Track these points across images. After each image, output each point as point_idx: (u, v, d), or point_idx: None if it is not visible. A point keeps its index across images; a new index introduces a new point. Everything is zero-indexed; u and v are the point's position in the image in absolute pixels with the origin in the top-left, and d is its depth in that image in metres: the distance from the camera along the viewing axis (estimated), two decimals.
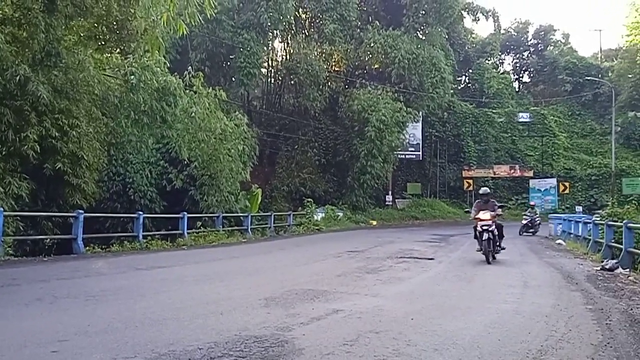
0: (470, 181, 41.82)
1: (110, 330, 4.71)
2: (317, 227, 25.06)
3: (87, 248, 12.77)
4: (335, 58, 36.12)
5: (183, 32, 12.56)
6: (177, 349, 4.34)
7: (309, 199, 27.36)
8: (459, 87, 51.49)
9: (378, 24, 35.31)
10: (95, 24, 15.34)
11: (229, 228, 19.54)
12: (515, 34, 59.91)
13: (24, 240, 11.99)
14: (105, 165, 15.85)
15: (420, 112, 36.92)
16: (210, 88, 18.87)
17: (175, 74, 17.00)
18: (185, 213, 17.12)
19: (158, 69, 16.12)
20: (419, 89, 34.85)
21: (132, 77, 15.58)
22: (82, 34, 15.26)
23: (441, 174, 44.50)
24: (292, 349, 4.47)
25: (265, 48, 32.75)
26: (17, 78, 12.15)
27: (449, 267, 11.23)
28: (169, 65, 17.04)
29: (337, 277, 9.22)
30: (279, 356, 4.28)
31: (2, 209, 10.73)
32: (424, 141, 41.46)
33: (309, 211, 26.16)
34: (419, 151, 40.65)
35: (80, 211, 12.84)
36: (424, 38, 37.15)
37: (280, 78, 36.78)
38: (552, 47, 58.25)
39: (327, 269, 10.49)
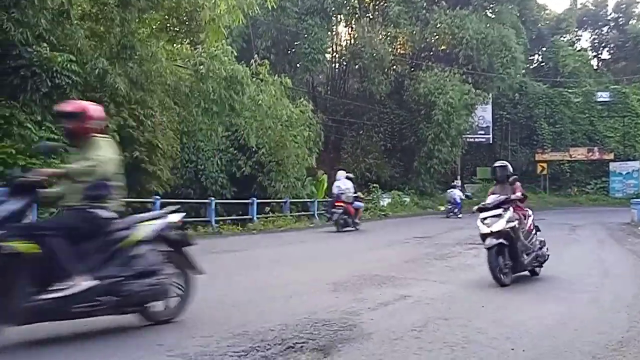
0: (544, 165, 40.00)
1: (188, 311, 4.94)
2: (383, 213, 24.95)
3: None
4: (400, 41, 35.45)
5: (248, 21, 12.76)
6: (250, 329, 4.51)
7: (375, 185, 27.24)
8: (531, 67, 49.06)
9: (444, 4, 34.21)
10: (166, 16, 15.94)
11: (297, 213, 19.87)
12: (594, 8, 56.13)
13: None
14: (178, 153, 16.49)
15: (490, 94, 35.61)
16: (276, 75, 19.13)
17: (242, 62, 17.36)
18: (255, 199, 17.57)
19: (226, 58, 16.52)
20: (489, 70, 33.59)
21: (202, 66, 16.07)
22: (154, 27, 15.88)
23: (512, 158, 42.69)
24: (360, 333, 4.53)
25: (329, 33, 32.70)
26: (97, 71, 12.86)
27: None
28: (236, 54, 17.42)
29: (405, 263, 9.17)
30: (347, 340, 4.34)
31: None
32: (494, 124, 40.00)
33: (374, 196, 26.07)
34: (489, 134, 39.28)
35: (157, 197, 13.48)
36: (493, 16, 35.66)
37: (344, 63, 36.61)
38: (635, 21, 54.15)
39: (394, 255, 10.46)
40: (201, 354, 3.89)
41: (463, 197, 24.60)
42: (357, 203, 16.67)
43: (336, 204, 15.96)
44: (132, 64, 14.05)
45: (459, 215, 22.90)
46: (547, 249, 7.96)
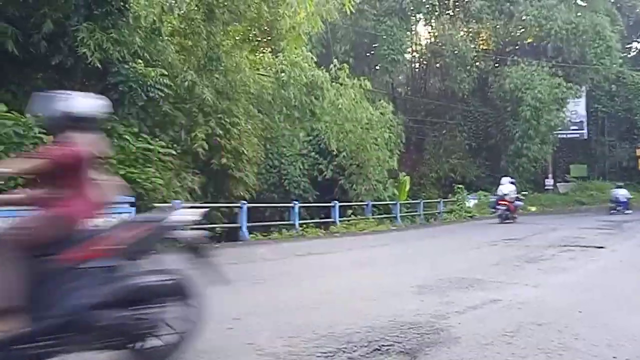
0: None
1: (275, 311, 5.09)
2: (469, 215, 24.20)
3: (251, 235, 13.89)
4: (483, 36, 34.35)
5: (327, 27, 12.97)
6: (336, 331, 4.55)
7: (460, 185, 26.50)
8: (629, 56, 45.44)
9: None
10: (249, 27, 16.55)
11: (378, 216, 19.79)
12: None
13: (199, 229, 13.36)
14: (262, 159, 17.01)
15: (583, 87, 33.47)
16: (355, 79, 19.20)
17: (322, 67, 17.62)
18: (336, 202, 17.72)
19: (306, 64, 16.87)
20: (580, 62, 31.59)
21: (283, 74, 16.53)
22: (237, 38, 16.53)
23: (610, 154, 39.94)
24: (448, 337, 4.43)
25: (408, 33, 32.32)
26: (186, 83, 13.61)
27: (622, 257, 10.10)
28: (315, 59, 17.73)
29: (493, 265, 8.84)
30: (435, 343, 4.26)
31: (181, 201, 12.16)
32: (588, 118, 37.50)
33: (459, 198, 25.36)
34: (583, 129, 36.85)
35: (244, 202, 13.99)
36: (584, 4, 33.52)
37: (424, 62, 36.05)
38: None
39: (482, 257, 10.11)
40: (289, 353, 3.98)
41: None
42: (517, 202, 20.74)
43: (500, 202, 20.07)
44: (218, 75, 14.72)
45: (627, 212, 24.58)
46: None
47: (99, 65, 11.24)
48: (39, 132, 9.76)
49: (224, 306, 5.48)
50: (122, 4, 11.28)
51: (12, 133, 9.33)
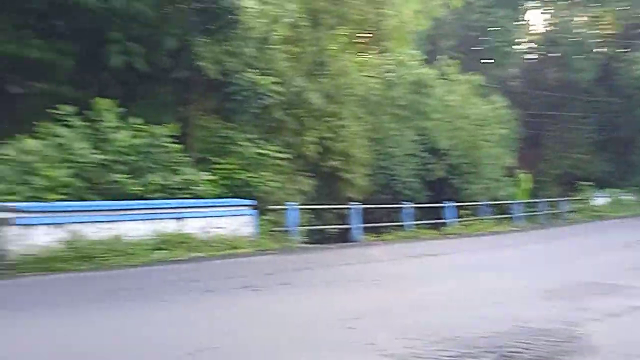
0: None
1: (394, 312, 5.03)
2: (597, 214, 22.29)
3: (364, 236, 13.93)
4: (606, 20, 31.49)
5: (433, 23, 12.70)
6: (459, 334, 4.37)
7: (584, 182, 24.50)
8: None
9: None
10: (354, 30, 16.63)
11: (495, 216, 18.90)
12: None
13: (312, 230, 13.70)
14: (371, 160, 17.01)
15: None
16: (465, 74, 18.55)
17: (429, 65, 17.24)
18: (449, 202, 17.19)
19: (412, 62, 16.61)
20: None
21: (389, 74, 16.43)
22: (342, 41, 16.69)
23: None
24: (585, 346, 4.07)
25: (519, 23, 30.57)
26: (295, 89, 14.00)
27: None
28: (422, 57, 17.38)
29: (629, 270, 8.04)
30: (569, 352, 3.94)
31: (295, 203, 12.55)
32: None
33: (585, 196, 23.44)
34: None
35: (355, 203, 14.06)
36: None
37: (539, 53, 33.85)
38: None
39: (615, 261, 9.24)
40: (412, 355, 3.90)
41: None
42: None
43: None
44: (325, 79, 14.96)
45: None
46: None
47: (217, 77, 11.92)
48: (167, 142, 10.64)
49: (344, 305, 5.55)
50: (234, 17, 11.85)
51: (145, 144, 10.24)
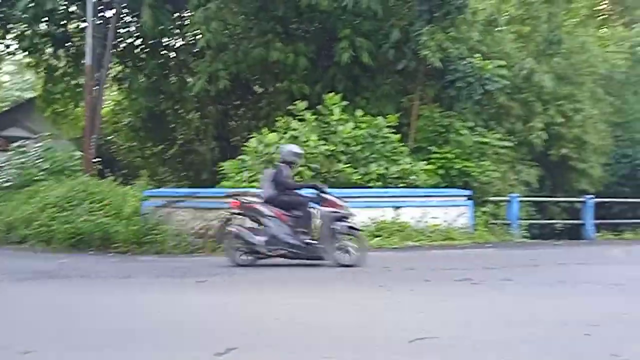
0: None
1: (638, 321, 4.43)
2: None
3: (598, 234, 12.49)
4: None
5: None
6: None
7: None
8: None
9: None
10: (596, 1, 14.77)
11: None
12: None
13: (533, 224, 12.76)
14: (611, 147, 15.07)
15: None
16: None
17: None
18: None
19: None
20: None
21: (638, 48, 14.20)
22: (582, 14, 14.99)
23: None
24: None
25: None
26: (523, 72, 13.08)
27: None
28: None
29: None
30: None
31: (517, 195, 11.87)
32: None
33: None
34: None
35: (589, 196, 12.67)
36: None
37: None
38: None
39: None
40: None
41: None
42: None
43: None
44: (559, 59, 13.68)
45: None
46: None
47: (438, 65, 11.85)
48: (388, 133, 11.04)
49: (577, 308, 5.10)
50: (461, 1, 11.56)
51: (366, 134, 10.82)
